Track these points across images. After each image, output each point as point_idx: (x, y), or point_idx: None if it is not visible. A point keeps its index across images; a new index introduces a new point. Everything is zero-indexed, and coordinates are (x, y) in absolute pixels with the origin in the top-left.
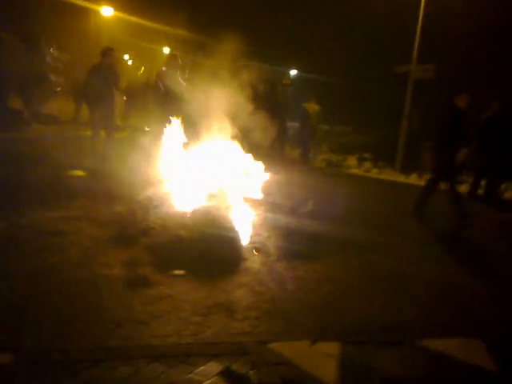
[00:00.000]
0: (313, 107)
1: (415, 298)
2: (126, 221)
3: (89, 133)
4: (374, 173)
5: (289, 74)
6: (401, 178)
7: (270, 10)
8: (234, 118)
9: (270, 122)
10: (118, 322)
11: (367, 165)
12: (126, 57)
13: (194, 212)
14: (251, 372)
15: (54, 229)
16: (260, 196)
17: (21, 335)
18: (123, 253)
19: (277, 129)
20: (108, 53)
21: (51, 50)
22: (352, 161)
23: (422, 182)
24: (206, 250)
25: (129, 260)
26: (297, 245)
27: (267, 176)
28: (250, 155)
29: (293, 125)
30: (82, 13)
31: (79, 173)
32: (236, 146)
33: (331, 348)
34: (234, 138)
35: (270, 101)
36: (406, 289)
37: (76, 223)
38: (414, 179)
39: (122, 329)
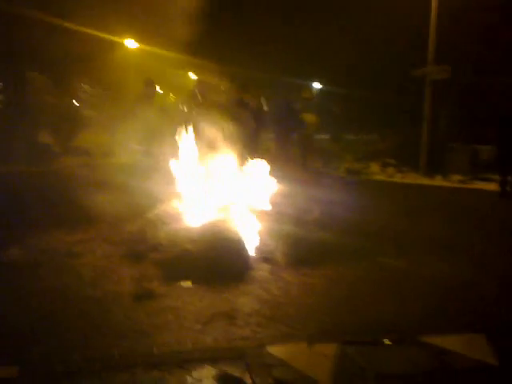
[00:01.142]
0: (310, 118)
1: (421, 298)
2: (136, 239)
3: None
4: (398, 177)
5: (308, 87)
6: (425, 181)
7: (284, 23)
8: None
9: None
10: (121, 333)
11: (390, 170)
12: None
13: (201, 226)
14: (246, 374)
15: (70, 251)
16: (268, 207)
17: (29, 349)
18: (132, 269)
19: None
20: (149, 83)
21: (82, 85)
22: (375, 167)
23: (448, 183)
24: (212, 262)
25: (137, 275)
26: (304, 252)
27: (278, 187)
28: (260, 167)
29: None
30: (109, 46)
31: (100, 198)
32: (245, 159)
33: (329, 349)
34: (242, 151)
35: (283, 117)
36: (413, 289)
37: (91, 244)
38: (439, 181)
39: (125, 340)
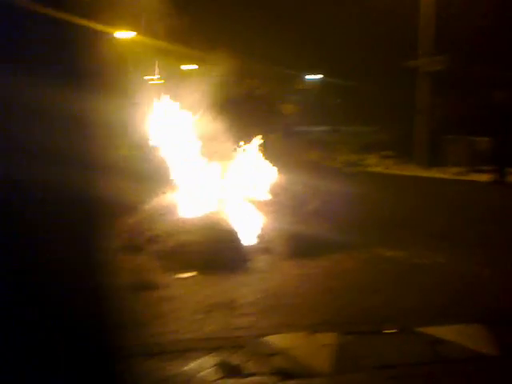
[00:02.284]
0: (288, 108)
1: (420, 288)
2: (133, 231)
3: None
4: (395, 169)
5: (301, 79)
6: (422, 173)
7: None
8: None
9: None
10: (118, 324)
11: (387, 162)
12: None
13: (199, 217)
14: (245, 363)
15: None
16: (267, 197)
17: None
18: (131, 260)
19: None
20: None
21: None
22: (372, 159)
23: (444, 175)
24: (211, 253)
25: (135, 267)
26: (303, 243)
27: (277, 177)
28: (260, 157)
29: None
30: (105, 38)
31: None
32: (245, 149)
33: (328, 338)
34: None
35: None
36: (411, 279)
37: None
38: (435, 173)
39: (121, 330)
